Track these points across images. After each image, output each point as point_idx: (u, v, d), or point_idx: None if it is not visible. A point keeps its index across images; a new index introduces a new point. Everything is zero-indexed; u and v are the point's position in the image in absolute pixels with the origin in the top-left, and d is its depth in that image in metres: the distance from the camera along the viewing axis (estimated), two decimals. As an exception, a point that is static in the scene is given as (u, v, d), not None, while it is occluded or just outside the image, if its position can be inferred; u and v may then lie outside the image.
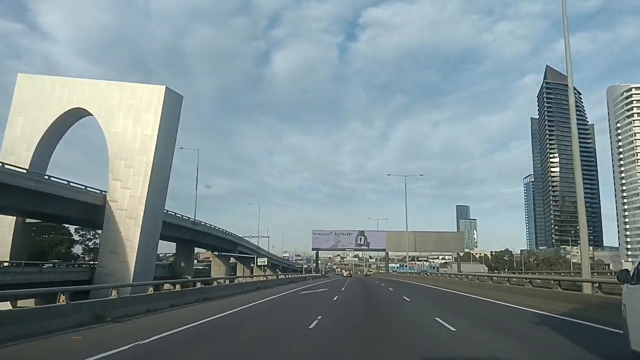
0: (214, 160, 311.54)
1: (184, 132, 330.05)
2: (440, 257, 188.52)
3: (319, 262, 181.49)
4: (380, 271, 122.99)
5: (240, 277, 53.04)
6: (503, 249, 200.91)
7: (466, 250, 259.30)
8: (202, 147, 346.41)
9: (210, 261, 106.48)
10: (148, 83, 49.66)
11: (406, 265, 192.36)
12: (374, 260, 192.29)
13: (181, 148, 56.68)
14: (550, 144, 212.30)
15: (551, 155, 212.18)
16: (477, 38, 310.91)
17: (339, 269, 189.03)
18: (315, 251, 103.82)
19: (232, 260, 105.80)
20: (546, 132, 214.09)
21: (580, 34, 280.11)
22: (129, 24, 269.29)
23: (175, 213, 55.05)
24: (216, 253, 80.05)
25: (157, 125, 40.77)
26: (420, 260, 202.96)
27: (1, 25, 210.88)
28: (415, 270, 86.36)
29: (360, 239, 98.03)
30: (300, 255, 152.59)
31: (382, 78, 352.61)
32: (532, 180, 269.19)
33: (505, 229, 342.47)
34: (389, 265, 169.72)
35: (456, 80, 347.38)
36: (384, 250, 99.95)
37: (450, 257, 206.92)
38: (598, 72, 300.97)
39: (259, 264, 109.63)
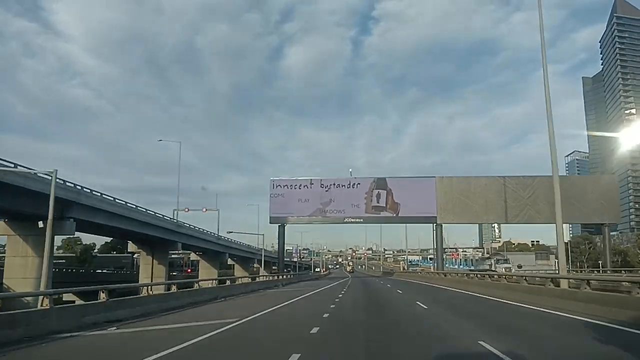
0: (227, 156, 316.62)
1: (199, 129, 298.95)
2: (461, 249, 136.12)
3: (322, 257, 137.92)
4: (425, 269, 70.82)
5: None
6: (533, 241, 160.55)
7: (496, 242, 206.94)
8: (216, 144, 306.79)
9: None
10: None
11: (429, 259, 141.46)
12: (391, 253, 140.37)
13: None
14: (625, 95, 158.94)
15: (627, 112, 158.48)
16: (493, 29, 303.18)
17: (347, 261, 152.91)
18: (279, 225, 49.82)
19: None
20: (618, 81, 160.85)
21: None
22: (142, 21, 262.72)
23: None
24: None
25: None
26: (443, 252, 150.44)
27: (16, 24, 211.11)
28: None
29: (379, 195, 46.16)
30: (307, 249, 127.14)
31: (397, 71, 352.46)
32: (578, 158, 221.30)
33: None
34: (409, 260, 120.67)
35: (472, 72, 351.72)
36: (430, 219, 47.31)
37: (481, 251, 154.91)
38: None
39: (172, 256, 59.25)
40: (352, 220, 47.44)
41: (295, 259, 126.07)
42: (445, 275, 33.92)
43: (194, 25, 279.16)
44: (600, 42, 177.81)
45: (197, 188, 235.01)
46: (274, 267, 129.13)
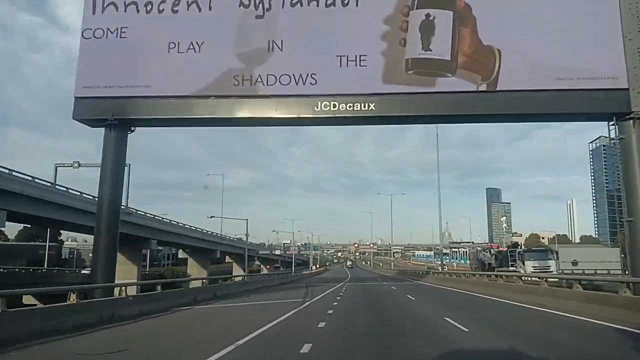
0: (233, 152, 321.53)
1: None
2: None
3: (319, 252, 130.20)
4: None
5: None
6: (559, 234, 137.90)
7: (517, 236, 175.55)
8: (222, 139, 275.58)
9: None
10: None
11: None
12: (400, 249, 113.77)
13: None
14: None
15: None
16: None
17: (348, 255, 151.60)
18: (107, 125, 14.32)
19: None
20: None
21: None
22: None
23: None
24: None
25: None
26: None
27: (22, 19, 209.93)
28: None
29: (429, 26, 12.06)
30: (306, 244, 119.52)
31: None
32: (605, 144, 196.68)
33: (544, 215, 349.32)
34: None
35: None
36: (605, 101, 13.66)
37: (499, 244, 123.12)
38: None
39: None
40: (341, 108, 13.92)
41: (277, 252, 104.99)
42: None
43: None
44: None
45: (199, 185, 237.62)
46: (276, 265, 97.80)
